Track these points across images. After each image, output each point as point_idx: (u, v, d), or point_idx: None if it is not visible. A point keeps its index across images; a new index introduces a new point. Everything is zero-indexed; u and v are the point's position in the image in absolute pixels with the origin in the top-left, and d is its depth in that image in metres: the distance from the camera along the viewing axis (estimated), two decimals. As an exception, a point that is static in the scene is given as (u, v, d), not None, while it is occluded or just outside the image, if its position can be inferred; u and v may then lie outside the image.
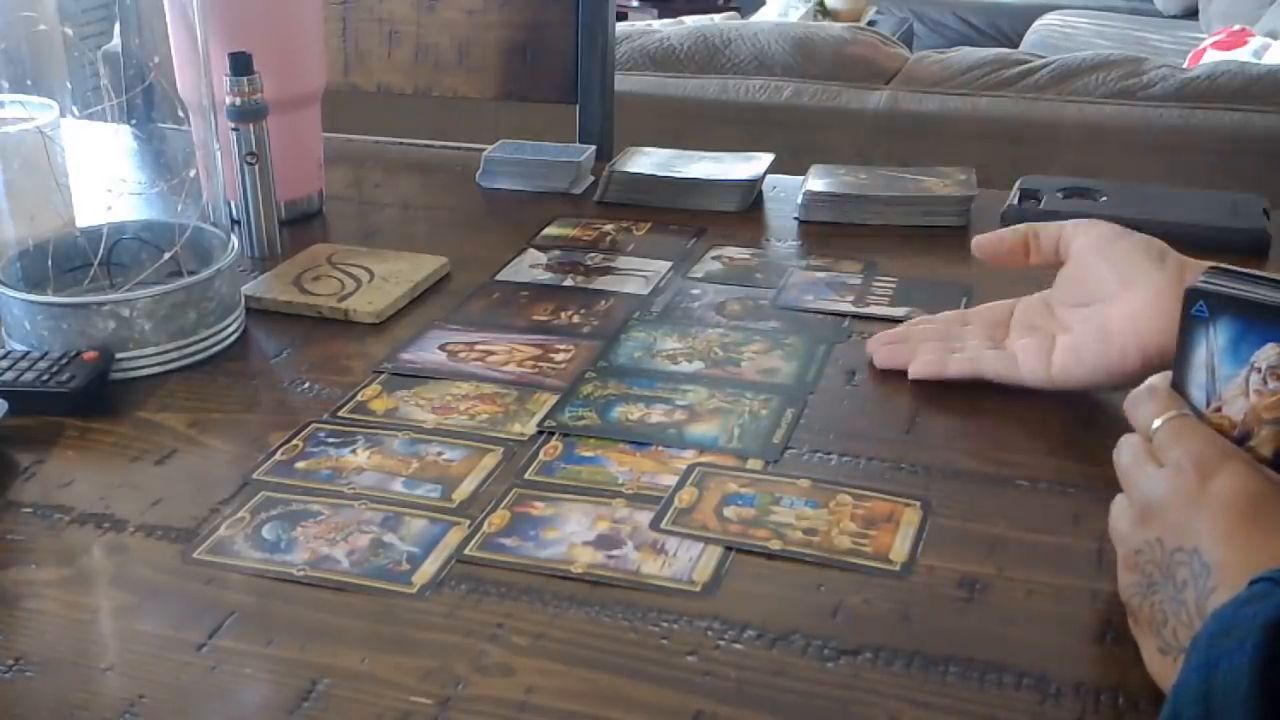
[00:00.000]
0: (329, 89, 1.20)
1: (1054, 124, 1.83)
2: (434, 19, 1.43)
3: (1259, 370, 0.56)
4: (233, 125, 1.04)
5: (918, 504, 0.70)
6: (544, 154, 1.24)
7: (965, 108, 1.86)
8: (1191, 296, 0.58)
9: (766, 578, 0.65)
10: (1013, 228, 0.85)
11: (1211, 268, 0.59)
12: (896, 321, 0.93)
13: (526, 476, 0.74)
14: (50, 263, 0.92)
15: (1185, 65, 1.97)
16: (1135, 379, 0.65)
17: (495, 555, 0.67)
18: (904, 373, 0.86)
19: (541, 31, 1.40)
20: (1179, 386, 0.60)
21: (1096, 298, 0.78)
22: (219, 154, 0.99)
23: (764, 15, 4.04)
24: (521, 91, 1.43)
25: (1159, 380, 0.61)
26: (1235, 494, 0.54)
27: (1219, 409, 0.58)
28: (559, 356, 0.88)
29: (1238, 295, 0.57)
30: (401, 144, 1.41)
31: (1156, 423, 0.59)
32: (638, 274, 1.02)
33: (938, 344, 0.85)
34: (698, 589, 0.64)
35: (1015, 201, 1.12)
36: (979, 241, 0.86)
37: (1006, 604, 0.63)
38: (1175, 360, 0.60)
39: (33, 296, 0.87)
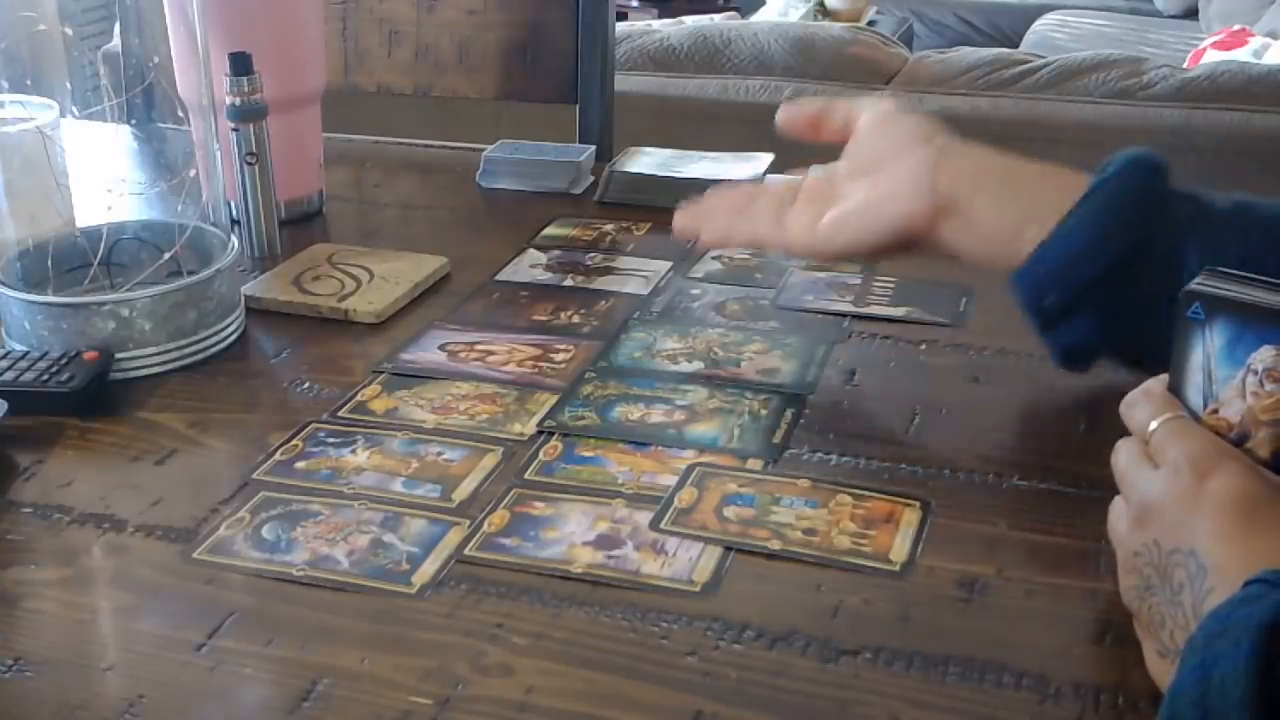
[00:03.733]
0: (329, 89, 1.20)
1: (1054, 124, 1.82)
2: (434, 19, 1.43)
3: (1255, 372, 0.56)
4: (233, 125, 1.04)
5: (918, 504, 0.70)
6: (544, 154, 1.24)
7: (965, 108, 1.86)
8: (1187, 299, 0.58)
9: (766, 578, 0.65)
10: (812, 100, 0.87)
11: (1206, 270, 0.59)
12: (896, 321, 0.93)
13: (526, 476, 0.74)
14: (50, 263, 0.92)
15: (1185, 65, 1.97)
16: (890, 250, 0.71)
17: (495, 555, 0.67)
18: (904, 373, 0.86)
19: (541, 31, 1.40)
20: (1175, 390, 0.60)
21: (868, 171, 0.80)
22: (219, 154, 0.99)
23: (764, 15, 4.04)
24: (521, 91, 1.43)
25: (1155, 383, 0.61)
26: (1232, 495, 0.54)
27: (1216, 411, 0.58)
28: (559, 356, 0.88)
29: (1233, 297, 0.57)
30: (401, 144, 1.40)
31: (1153, 425, 0.59)
32: (638, 274, 1.02)
33: (727, 215, 0.85)
34: (698, 589, 0.64)
35: (1015, 201, 1.11)
36: (781, 111, 0.88)
37: (1006, 604, 0.63)
38: (1171, 363, 0.60)
39: (33, 296, 0.87)
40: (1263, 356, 0.56)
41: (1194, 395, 0.59)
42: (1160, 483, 0.57)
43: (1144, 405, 0.60)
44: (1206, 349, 0.58)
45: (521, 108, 1.48)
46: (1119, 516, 0.60)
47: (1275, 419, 0.55)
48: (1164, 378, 0.61)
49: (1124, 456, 0.61)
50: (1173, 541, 0.55)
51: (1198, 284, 0.58)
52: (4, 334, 0.89)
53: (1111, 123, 1.80)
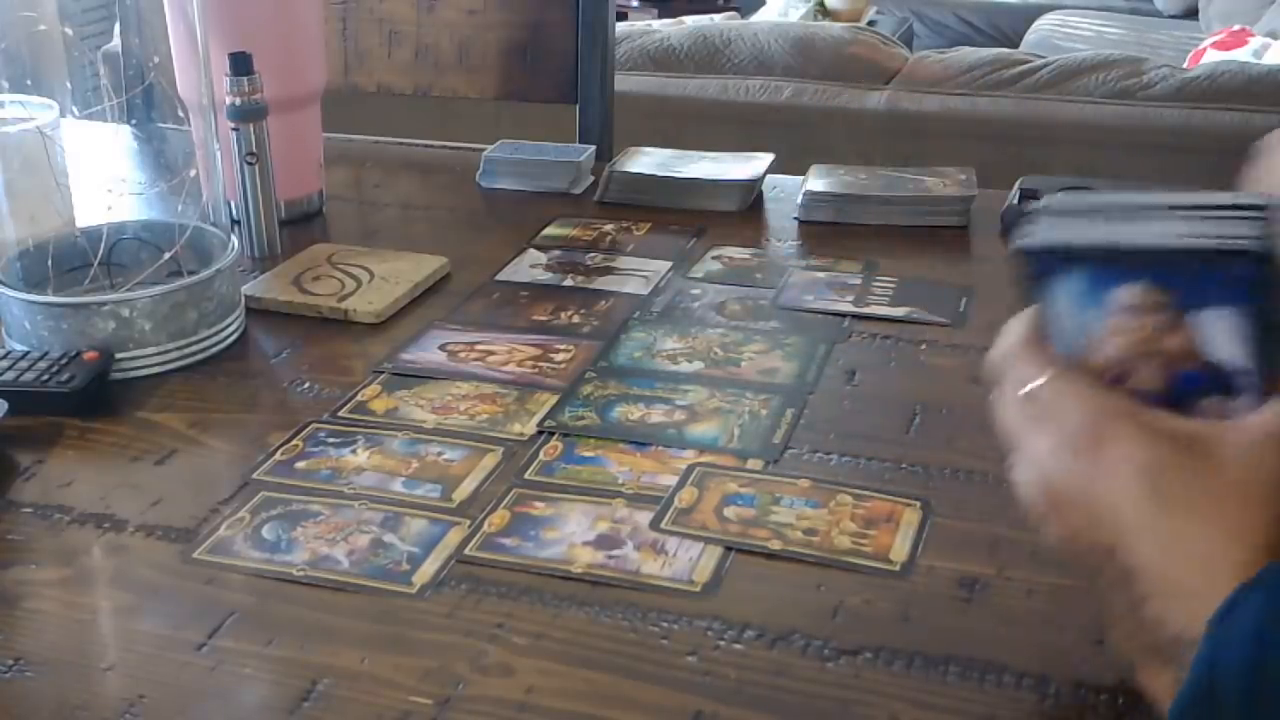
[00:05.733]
0: (329, 89, 1.20)
1: (1054, 124, 1.82)
2: (434, 19, 1.43)
3: (1123, 309, 0.52)
4: (233, 125, 1.04)
5: (918, 504, 0.70)
6: (544, 154, 1.24)
7: (965, 108, 1.86)
8: (1027, 256, 0.55)
9: (766, 578, 0.65)
10: None
11: (1028, 212, 0.55)
12: (896, 321, 0.93)
13: (526, 476, 0.74)
14: (50, 263, 0.92)
15: (1185, 65, 1.97)
16: None
17: (495, 555, 0.67)
18: (904, 373, 0.86)
19: (541, 31, 1.40)
20: (1041, 340, 0.55)
21: None
22: (219, 154, 0.99)
23: (764, 15, 4.04)
24: (521, 91, 1.43)
25: (1023, 331, 0.55)
26: (1138, 465, 0.49)
27: (1091, 351, 0.53)
28: (559, 356, 0.88)
29: (1078, 244, 0.53)
30: (401, 144, 1.41)
31: (1037, 381, 0.53)
32: (638, 274, 1.02)
33: None
34: (698, 589, 0.64)
35: (1015, 201, 1.11)
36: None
37: (1006, 604, 0.63)
38: (1034, 315, 0.56)
39: (33, 296, 0.87)
40: (1126, 293, 0.52)
41: (1062, 343, 0.54)
42: (1059, 459, 0.51)
43: (1020, 360, 0.54)
44: (1066, 295, 0.54)
45: (521, 108, 1.48)
46: (1029, 491, 0.54)
47: (1154, 348, 0.52)
48: (1027, 323, 0.55)
49: (1011, 418, 0.55)
50: (1088, 534, 0.51)
51: (1032, 236, 0.54)
52: (4, 334, 0.89)
53: (1111, 123, 1.80)
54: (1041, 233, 0.55)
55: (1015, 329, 0.56)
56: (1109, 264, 0.53)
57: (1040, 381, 0.53)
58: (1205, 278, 0.51)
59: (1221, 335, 0.51)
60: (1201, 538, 0.48)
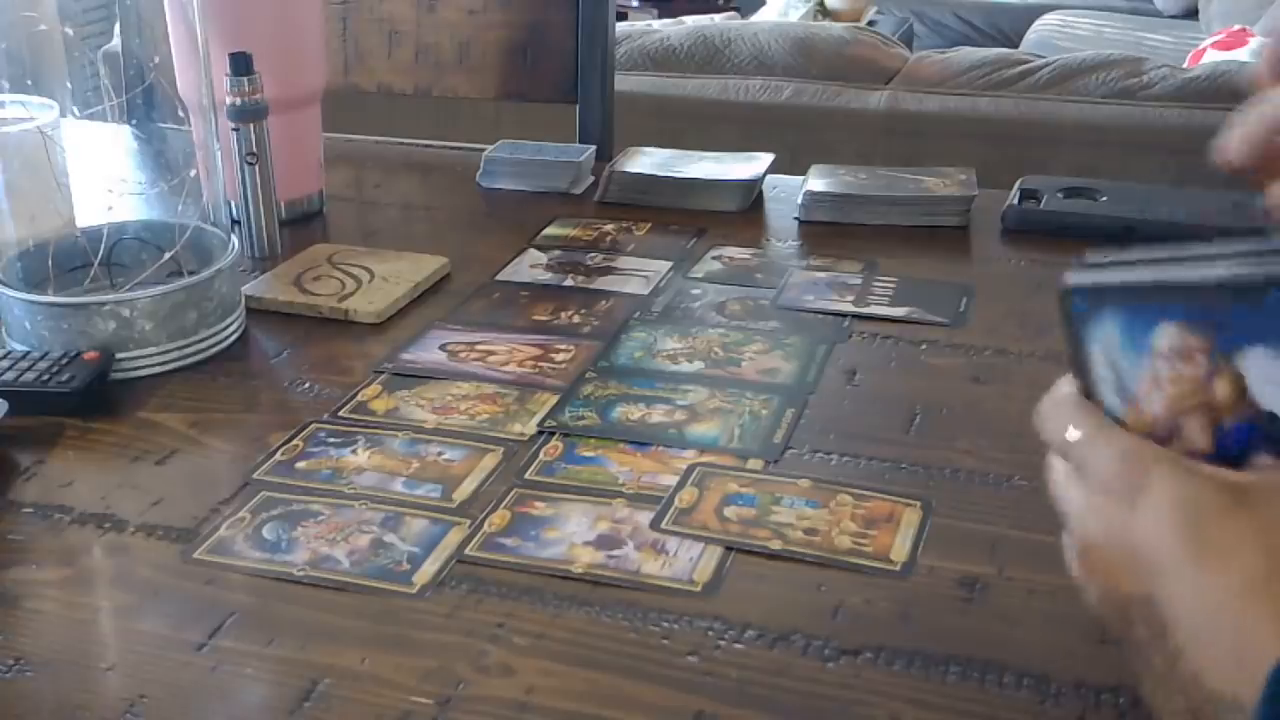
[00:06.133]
0: (329, 89, 1.20)
1: (1054, 124, 1.82)
2: (434, 19, 1.43)
3: (1164, 356, 0.50)
4: (233, 125, 1.04)
5: (918, 504, 0.70)
6: (544, 154, 1.24)
7: (965, 108, 1.86)
8: (1067, 296, 0.53)
9: (767, 578, 0.65)
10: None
11: (1080, 263, 0.53)
12: (897, 321, 0.93)
13: (527, 476, 0.74)
14: (50, 263, 0.92)
15: (1185, 65, 1.97)
16: None
17: (496, 555, 0.67)
18: (904, 373, 0.86)
19: (541, 31, 1.40)
20: (1089, 394, 0.53)
21: None
22: (219, 154, 0.99)
23: (764, 15, 4.04)
24: (521, 91, 1.43)
25: (1065, 386, 0.54)
26: (1173, 511, 0.46)
27: (1137, 407, 0.51)
28: (559, 356, 0.88)
29: (1111, 283, 0.51)
30: (401, 144, 1.41)
31: (1072, 434, 0.51)
32: (638, 274, 1.02)
33: None
34: (698, 589, 0.64)
35: (1015, 201, 1.12)
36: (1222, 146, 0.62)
37: (1006, 604, 0.63)
38: (1074, 367, 0.54)
39: (33, 296, 0.87)
40: (1166, 337, 0.50)
41: (1108, 395, 0.52)
42: (1091, 509, 0.50)
43: (1057, 415, 0.53)
44: (1105, 343, 0.52)
45: (521, 108, 1.48)
46: (1071, 556, 0.53)
47: (1200, 399, 0.49)
48: (1072, 380, 0.54)
49: (1056, 476, 0.53)
50: (1125, 587, 0.48)
51: (1071, 279, 0.52)
52: (4, 334, 0.89)
53: (1111, 123, 1.80)
54: (1085, 275, 0.53)
55: (1062, 385, 0.54)
56: (1149, 303, 0.50)
57: (1076, 434, 0.51)
58: (1251, 313, 0.48)
59: (1272, 378, 0.48)
60: (1242, 591, 0.44)
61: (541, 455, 0.76)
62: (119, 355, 0.85)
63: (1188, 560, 0.45)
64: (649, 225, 1.13)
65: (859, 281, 1.00)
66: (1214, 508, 0.45)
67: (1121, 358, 0.52)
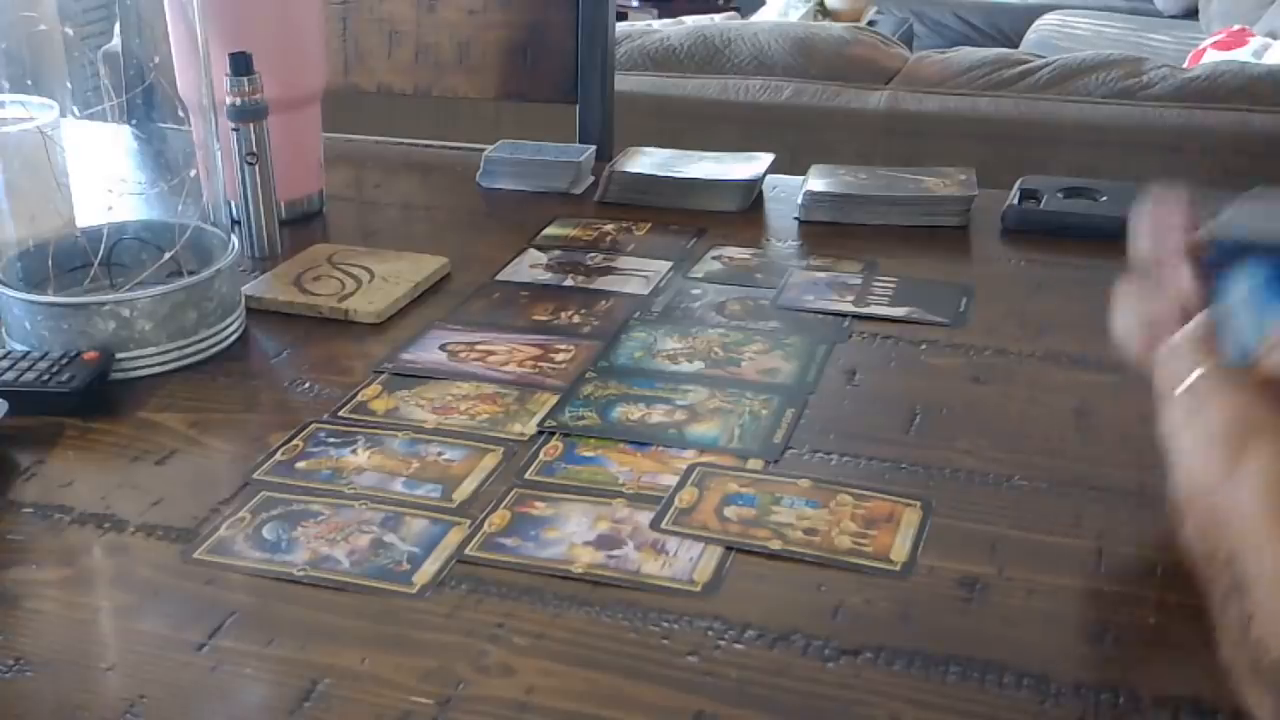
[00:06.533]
0: (329, 89, 1.20)
1: (1054, 124, 1.82)
2: (434, 19, 1.43)
3: None
4: (233, 125, 1.04)
5: (918, 504, 0.70)
6: (544, 154, 1.24)
7: (965, 108, 1.86)
8: (1209, 244, 0.53)
9: (767, 578, 0.65)
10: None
11: (1233, 209, 0.54)
12: (896, 321, 0.93)
13: (527, 476, 0.74)
14: (51, 263, 0.92)
15: (1185, 65, 1.97)
16: None
17: (496, 555, 0.67)
18: (904, 373, 0.86)
19: (541, 31, 1.40)
20: (1213, 340, 0.55)
21: None
22: (219, 154, 0.99)
23: (764, 15, 4.04)
24: (521, 91, 1.43)
25: (1194, 330, 0.55)
26: (1263, 485, 0.48)
27: (1261, 357, 0.52)
28: (559, 356, 0.88)
29: (1262, 238, 0.52)
30: (401, 144, 1.41)
31: (1191, 378, 0.53)
32: (638, 274, 1.02)
33: None
34: (698, 589, 0.64)
35: (1015, 201, 1.12)
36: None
37: (1006, 604, 0.63)
38: (1207, 313, 0.55)
39: (33, 296, 0.87)
40: None
41: (1235, 344, 0.54)
42: (1197, 458, 0.51)
43: (1185, 352, 0.54)
44: (1239, 294, 0.53)
45: (521, 108, 1.48)
46: (1178, 473, 0.54)
47: None
48: (1202, 324, 0.55)
49: (1170, 414, 0.54)
50: (1212, 539, 0.50)
51: (1224, 226, 0.53)
52: (4, 334, 0.89)
53: (1111, 123, 1.80)
54: (1234, 223, 0.53)
55: (1188, 326, 0.55)
56: None
57: (1197, 376, 0.53)
58: None
59: None
60: None
61: (541, 455, 0.76)
62: (119, 355, 0.85)
63: (1268, 534, 0.47)
64: (649, 225, 1.13)
65: (859, 281, 1.00)
66: None
67: (1257, 309, 0.53)
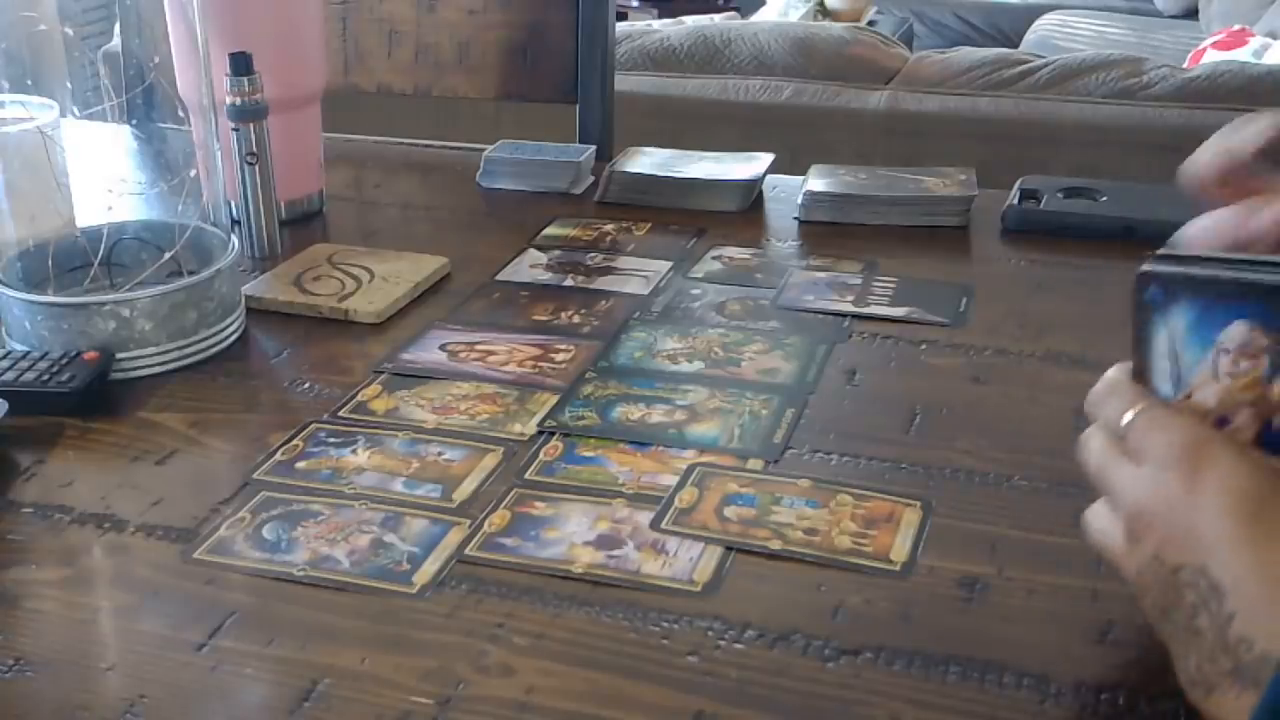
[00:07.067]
0: (329, 89, 1.20)
1: (1054, 124, 1.83)
2: (434, 19, 1.43)
3: (1227, 350, 0.52)
4: (233, 125, 1.04)
5: (918, 504, 0.70)
6: (544, 154, 1.24)
7: (965, 108, 1.86)
8: (1143, 281, 0.54)
9: (767, 578, 0.65)
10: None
11: (1159, 252, 0.55)
12: (896, 321, 0.93)
13: (527, 476, 0.74)
14: (50, 263, 0.92)
15: (1185, 65, 1.97)
16: None
17: (496, 555, 0.67)
18: (904, 373, 0.86)
19: (541, 31, 1.40)
20: (1142, 379, 0.56)
21: None
22: (219, 154, 0.99)
23: (764, 15, 4.04)
24: (521, 91, 1.43)
25: (1118, 372, 0.56)
26: (1232, 491, 0.49)
27: (1189, 397, 0.53)
28: (559, 356, 0.88)
29: (1193, 275, 0.53)
30: (401, 144, 1.41)
31: (1128, 416, 0.54)
32: (638, 274, 1.02)
33: None
34: (698, 589, 0.64)
35: (1015, 201, 1.12)
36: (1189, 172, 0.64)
37: (1006, 604, 0.63)
38: (1134, 352, 0.56)
39: (33, 296, 0.87)
40: (1234, 334, 0.52)
41: (1162, 383, 0.55)
42: (1148, 484, 0.52)
43: (1113, 398, 0.55)
44: (1170, 332, 0.54)
45: (521, 108, 1.48)
46: (1104, 529, 0.55)
47: (1256, 396, 0.52)
48: (1127, 366, 0.56)
49: (1096, 455, 0.56)
50: (1176, 556, 0.50)
51: (1152, 266, 0.54)
52: (4, 334, 0.89)
53: (1111, 123, 1.80)
54: (1165, 265, 0.54)
55: (1115, 370, 0.57)
56: (1225, 300, 0.52)
57: (1133, 415, 0.54)
58: None
59: None
60: None
61: (541, 455, 0.76)
62: (119, 355, 0.85)
63: (1245, 537, 0.48)
64: (649, 225, 1.13)
65: (859, 281, 1.00)
66: (1270, 487, 0.49)
67: (1185, 348, 0.54)
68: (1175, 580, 0.50)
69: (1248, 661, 0.47)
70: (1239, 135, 0.57)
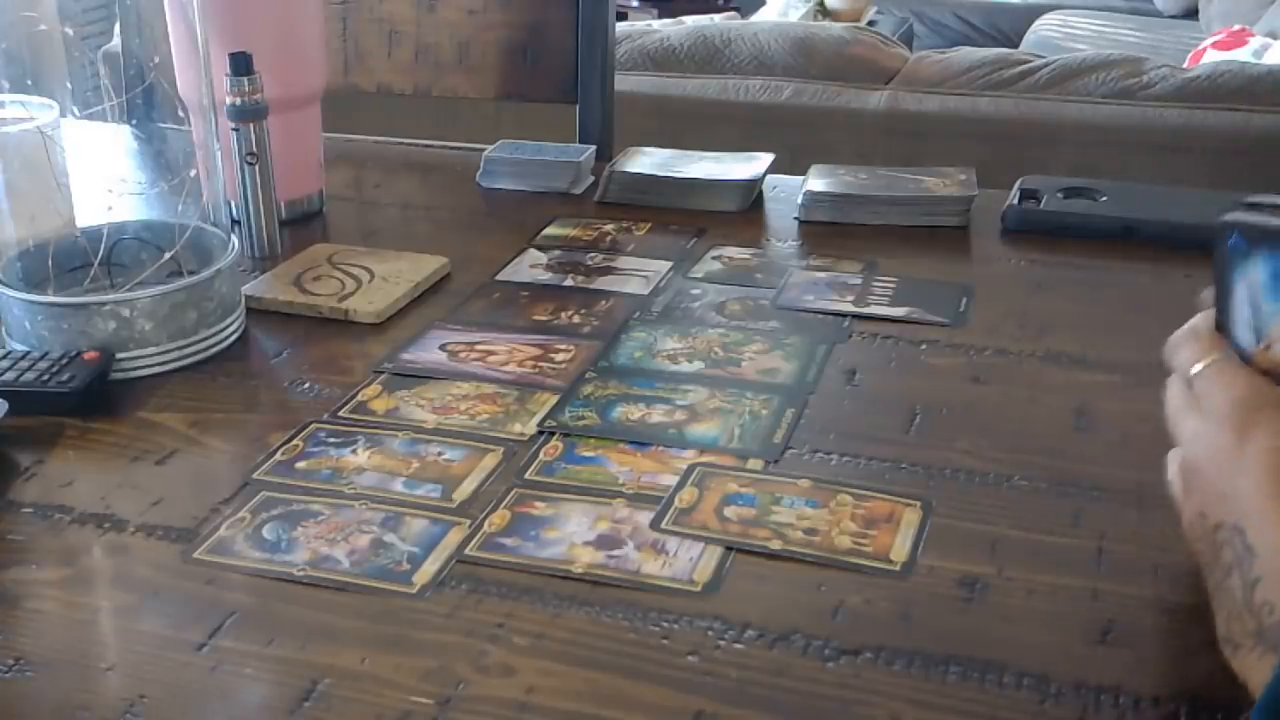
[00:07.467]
0: (329, 89, 1.20)
1: (1054, 124, 1.83)
2: (434, 19, 1.43)
3: None
4: (233, 125, 1.04)
5: (918, 504, 0.70)
6: (544, 154, 1.24)
7: (965, 108, 1.86)
8: (1225, 230, 0.54)
9: (767, 578, 0.65)
10: None
11: (1246, 201, 0.55)
12: (896, 321, 0.93)
13: (527, 476, 0.74)
14: (51, 263, 0.92)
15: (1185, 65, 1.97)
16: None
17: (496, 555, 0.67)
18: (904, 373, 0.86)
19: (541, 31, 1.40)
20: (1223, 328, 0.56)
21: None
22: (219, 154, 0.99)
23: (764, 15, 4.04)
24: (521, 91, 1.43)
25: (1202, 320, 0.57)
26: (1272, 457, 0.49)
27: (1269, 348, 0.53)
28: (559, 356, 0.88)
29: (1274, 227, 0.53)
30: (401, 144, 1.41)
31: (1197, 367, 0.55)
32: (638, 274, 1.02)
33: None
34: (698, 589, 0.64)
35: (1015, 201, 1.12)
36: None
37: (1006, 604, 0.63)
38: (1216, 300, 0.56)
39: (33, 296, 0.87)
40: None
41: (1243, 332, 0.55)
42: (1203, 438, 0.53)
43: (1189, 345, 0.56)
44: (1251, 282, 0.54)
45: (521, 108, 1.48)
46: (1175, 473, 0.56)
47: None
48: (1210, 314, 0.57)
49: (1172, 400, 0.56)
50: (1217, 513, 0.51)
51: (1237, 215, 0.54)
52: (4, 334, 0.89)
53: (1111, 123, 1.80)
54: (1247, 215, 0.54)
55: (1199, 316, 0.57)
56: None
57: (1202, 365, 0.54)
58: None
59: None
60: None
61: (541, 455, 0.76)
62: (119, 355, 0.85)
63: (1278, 504, 0.49)
64: (649, 225, 1.13)
65: (859, 281, 1.00)
66: None
67: (1265, 299, 0.54)
68: (1215, 538, 0.52)
69: (1269, 625, 0.48)
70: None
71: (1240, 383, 0.53)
